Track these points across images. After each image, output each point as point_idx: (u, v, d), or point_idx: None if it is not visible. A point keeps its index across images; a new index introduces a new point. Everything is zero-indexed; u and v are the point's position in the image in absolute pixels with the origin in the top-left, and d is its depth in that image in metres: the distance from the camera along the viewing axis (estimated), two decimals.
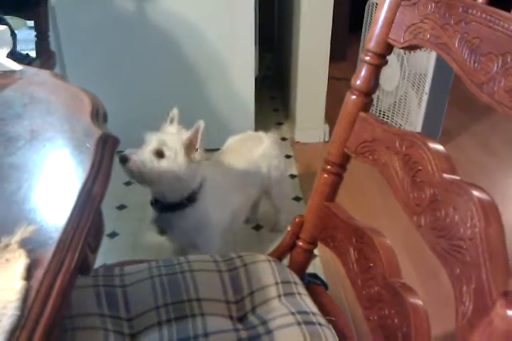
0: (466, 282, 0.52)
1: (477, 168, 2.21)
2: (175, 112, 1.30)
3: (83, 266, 0.49)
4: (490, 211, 0.53)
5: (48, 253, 0.43)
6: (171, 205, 1.32)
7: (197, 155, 1.26)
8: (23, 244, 0.43)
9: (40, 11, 1.66)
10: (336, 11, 2.15)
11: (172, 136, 1.25)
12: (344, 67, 2.93)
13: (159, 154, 1.23)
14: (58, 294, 0.40)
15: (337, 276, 1.50)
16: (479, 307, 0.49)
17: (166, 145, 1.23)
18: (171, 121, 1.30)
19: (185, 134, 1.26)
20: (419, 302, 0.63)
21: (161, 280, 0.84)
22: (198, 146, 1.26)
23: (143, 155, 1.22)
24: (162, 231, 1.37)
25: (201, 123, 1.24)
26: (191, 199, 1.32)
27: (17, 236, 0.44)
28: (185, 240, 1.44)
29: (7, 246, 0.43)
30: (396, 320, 0.65)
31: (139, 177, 1.24)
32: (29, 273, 0.41)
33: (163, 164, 1.24)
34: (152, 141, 1.24)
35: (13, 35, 1.46)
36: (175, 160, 1.24)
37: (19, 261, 0.42)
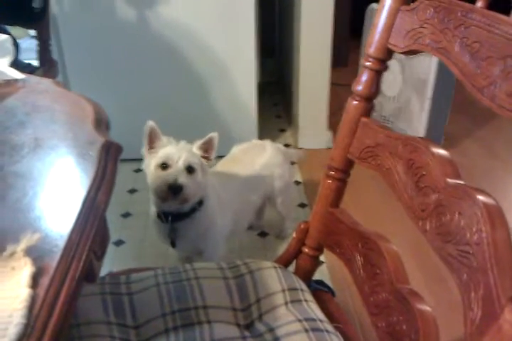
0: (473, 288, 0.51)
1: (481, 172, 2.20)
2: (151, 125, 1.25)
3: (89, 274, 0.49)
4: (495, 215, 0.52)
5: (53, 261, 0.43)
6: (181, 214, 1.32)
7: (210, 163, 1.30)
8: (29, 252, 0.43)
9: (42, 20, 1.67)
10: (337, 17, 2.16)
11: (189, 150, 1.26)
12: (345, 72, 2.93)
13: (190, 171, 1.24)
14: (64, 302, 0.40)
15: (344, 283, 1.50)
16: (488, 313, 0.48)
17: (193, 162, 1.24)
18: (155, 135, 1.26)
19: (189, 145, 1.28)
20: (427, 308, 0.62)
21: (167, 287, 0.84)
22: (212, 157, 1.29)
23: (185, 177, 1.22)
24: (173, 243, 1.36)
25: (215, 135, 1.26)
26: (199, 204, 1.33)
27: (22, 244, 0.44)
28: (191, 248, 1.44)
29: (13, 254, 0.43)
30: (404, 327, 0.64)
31: (190, 199, 1.25)
32: (35, 281, 0.41)
33: (198, 178, 1.25)
34: (179, 160, 1.23)
35: (16, 44, 1.48)
36: (204, 172, 1.27)
37: (25, 269, 0.42)
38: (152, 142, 1.27)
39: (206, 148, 1.28)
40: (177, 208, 1.29)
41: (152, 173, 1.24)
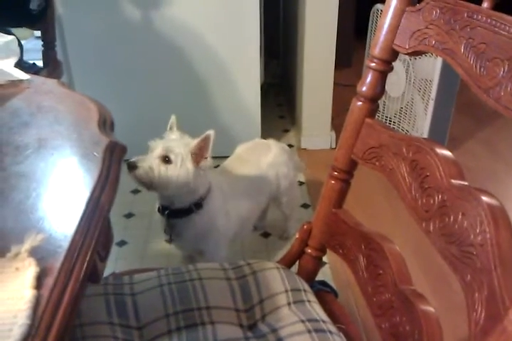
0: (477, 289, 0.51)
1: (485, 173, 2.20)
2: (173, 119, 1.32)
3: (93, 275, 0.49)
4: (499, 216, 0.52)
5: (57, 262, 0.43)
6: (178, 211, 1.33)
7: (206, 163, 1.28)
8: (33, 252, 0.43)
9: (47, 20, 1.67)
10: (341, 18, 2.16)
11: (177, 142, 1.27)
12: (349, 73, 2.93)
13: (166, 160, 1.24)
14: (68, 302, 0.40)
15: (347, 283, 1.50)
16: (492, 314, 0.48)
17: (171, 152, 1.24)
18: (171, 128, 1.32)
19: (192, 141, 1.27)
20: (431, 309, 0.62)
21: (171, 288, 0.84)
22: (207, 155, 1.27)
23: (150, 162, 1.23)
24: (171, 240, 1.37)
25: (211, 133, 1.25)
26: (198, 205, 1.33)
27: (26, 245, 0.44)
28: (191, 247, 1.44)
29: (17, 255, 0.43)
30: (408, 328, 0.64)
31: (148, 183, 1.25)
32: (39, 282, 0.41)
33: (171, 170, 1.25)
34: (157, 148, 1.25)
35: (20, 45, 1.48)
36: (182, 166, 1.25)
37: (29, 270, 0.42)
38: None
39: (203, 145, 1.27)
40: (168, 202, 1.31)
41: None
